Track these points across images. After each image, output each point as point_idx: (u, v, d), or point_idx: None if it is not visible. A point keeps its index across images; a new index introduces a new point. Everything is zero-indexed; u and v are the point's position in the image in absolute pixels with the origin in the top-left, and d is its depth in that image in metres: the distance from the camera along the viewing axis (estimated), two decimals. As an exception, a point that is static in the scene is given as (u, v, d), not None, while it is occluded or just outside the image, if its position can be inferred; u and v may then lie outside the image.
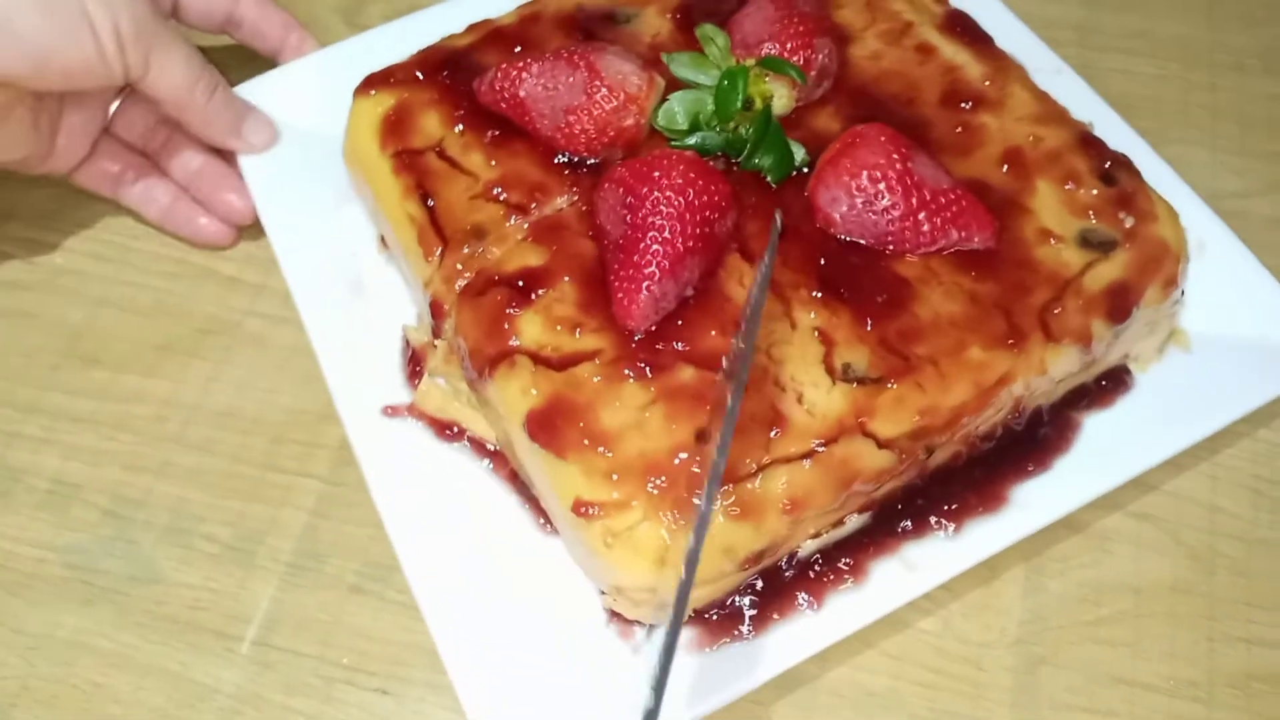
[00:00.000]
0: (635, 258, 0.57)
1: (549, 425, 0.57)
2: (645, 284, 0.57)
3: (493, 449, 0.64)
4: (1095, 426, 0.63)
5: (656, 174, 0.58)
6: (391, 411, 0.64)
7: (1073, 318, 0.59)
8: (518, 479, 0.62)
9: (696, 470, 0.54)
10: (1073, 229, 0.62)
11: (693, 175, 0.58)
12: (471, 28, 0.72)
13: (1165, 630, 0.62)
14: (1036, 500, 0.60)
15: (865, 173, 0.60)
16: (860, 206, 0.60)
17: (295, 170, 0.73)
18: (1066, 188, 0.64)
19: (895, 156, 0.60)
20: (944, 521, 0.60)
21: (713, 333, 0.58)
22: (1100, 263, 0.61)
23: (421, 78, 0.68)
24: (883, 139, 0.60)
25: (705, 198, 0.58)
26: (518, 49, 0.69)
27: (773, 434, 0.55)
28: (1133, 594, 0.63)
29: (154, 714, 0.60)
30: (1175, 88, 0.84)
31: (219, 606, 0.63)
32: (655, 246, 0.57)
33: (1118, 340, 0.61)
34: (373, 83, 0.69)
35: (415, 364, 0.66)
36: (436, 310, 0.63)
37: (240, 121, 0.73)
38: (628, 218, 0.58)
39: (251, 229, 0.76)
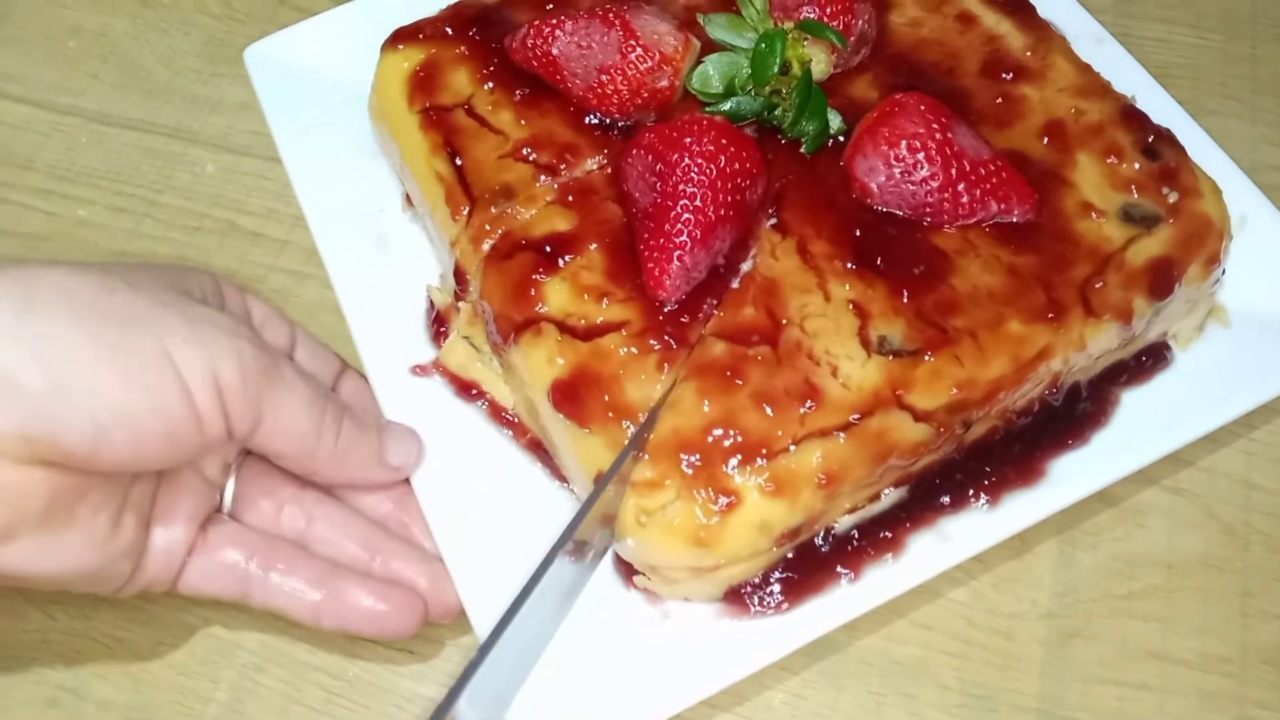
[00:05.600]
0: (665, 227, 0.56)
1: (574, 396, 0.56)
2: (676, 254, 0.56)
3: (511, 417, 0.63)
4: (1133, 402, 0.62)
5: (688, 140, 0.57)
6: (420, 371, 0.64)
7: (1114, 293, 0.58)
8: (539, 447, 0.62)
9: (730, 444, 0.54)
10: (1114, 203, 0.61)
11: (724, 141, 0.57)
12: (503, -18, 0.70)
13: (1198, 605, 0.61)
14: (1074, 474, 0.59)
15: (904, 142, 0.59)
16: (898, 176, 0.59)
17: (321, 125, 0.72)
18: (1108, 161, 0.62)
19: (935, 126, 0.59)
20: (981, 495, 0.59)
21: (747, 309, 0.57)
22: (1143, 238, 0.60)
23: (451, 33, 0.67)
24: (923, 108, 0.59)
25: (737, 165, 0.57)
26: (550, 6, 0.68)
27: (807, 407, 0.55)
28: (1165, 568, 0.62)
29: (175, 669, 0.60)
30: (1215, 58, 0.82)
31: None
32: (686, 215, 0.56)
33: (1158, 317, 0.60)
34: (401, 37, 0.68)
35: (440, 324, 0.65)
36: (461, 274, 0.62)
37: (380, 449, 0.57)
38: (657, 185, 0.57)
39: (275, 181, 0.75)
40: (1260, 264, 0.65)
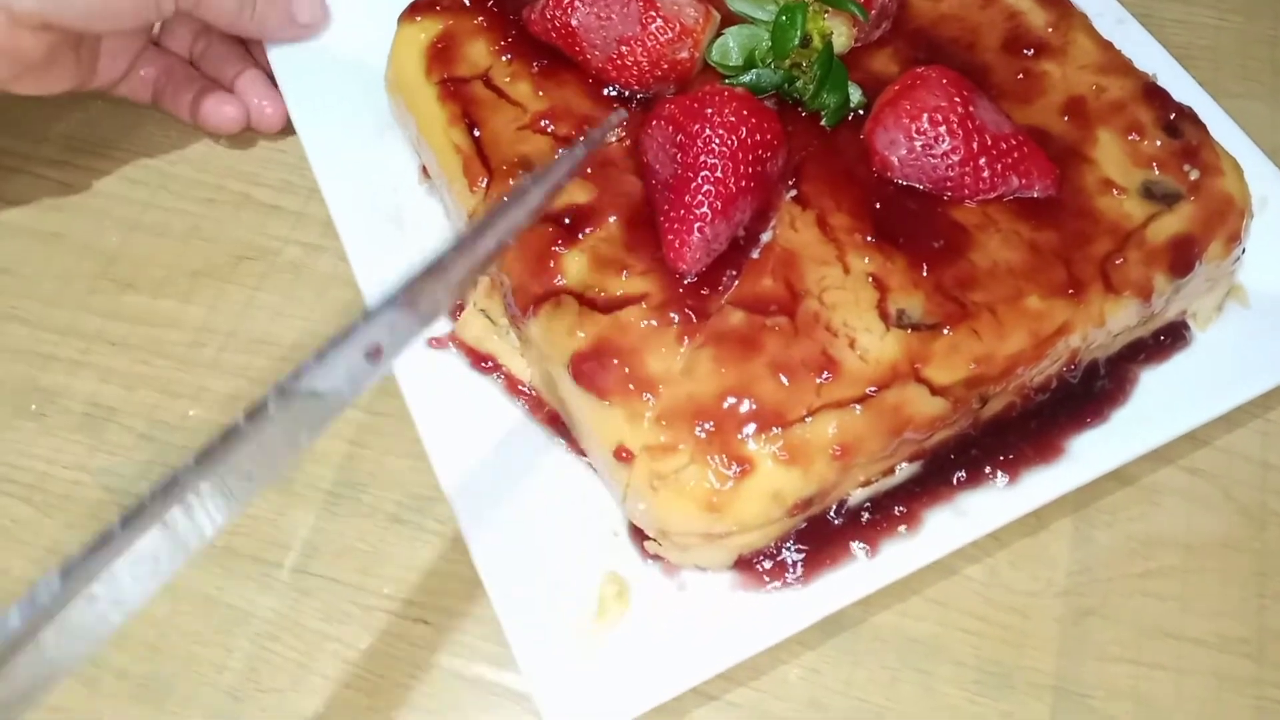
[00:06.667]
0: (686, 198, 0.56)
1: (594, 368, 0.55)
2: (697, 225, 0.56)
3: (528, 390, 0.63)
4: (1152, 381, 0.62)
5: (709, 111, 0.56)
6: (436, 343, 0.63)
7: (1134, 270, 0.58)
8: (557, 421, 0.62)
9: (745, 411, 0.54)
10: (1135, 180, 0.61)
11: (745, 112, 0.56)
12: (517, -48, 0.70)
13: (1215, 586, 0.61)
14: (1092, 452, 0.59)
15: (926, 115, 0.58)
16: (919, 150, 0.59)
17: (337, 97, 0.72)
18: (1130, 138, 0.62)
19: (957, 100, 0.58)
20: (999, 471, 0.59)
21: (766, 279, 0.57)
22: (1163, 215, 0.59)
23: (469, 4, 0.67)
24: (944, 81, 0.59)
25: (758, 136, 0.57)
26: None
27: (823, 378, 0.54)
28: (1182, 549, 0.62)
29: (189, 638, 0.60)
30: (1235, 39, 0.82)
31: (257, 533, 0.63)
32: (707, 187, 0.56)
33: (1178, 295, 0.60)
34: (419, 9, 0.67)
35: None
36: (480, 245, 0.62)
37: (289, 13, 0.73)
38: (678, 156, 0.57)
39: (291, 154, 0.75)
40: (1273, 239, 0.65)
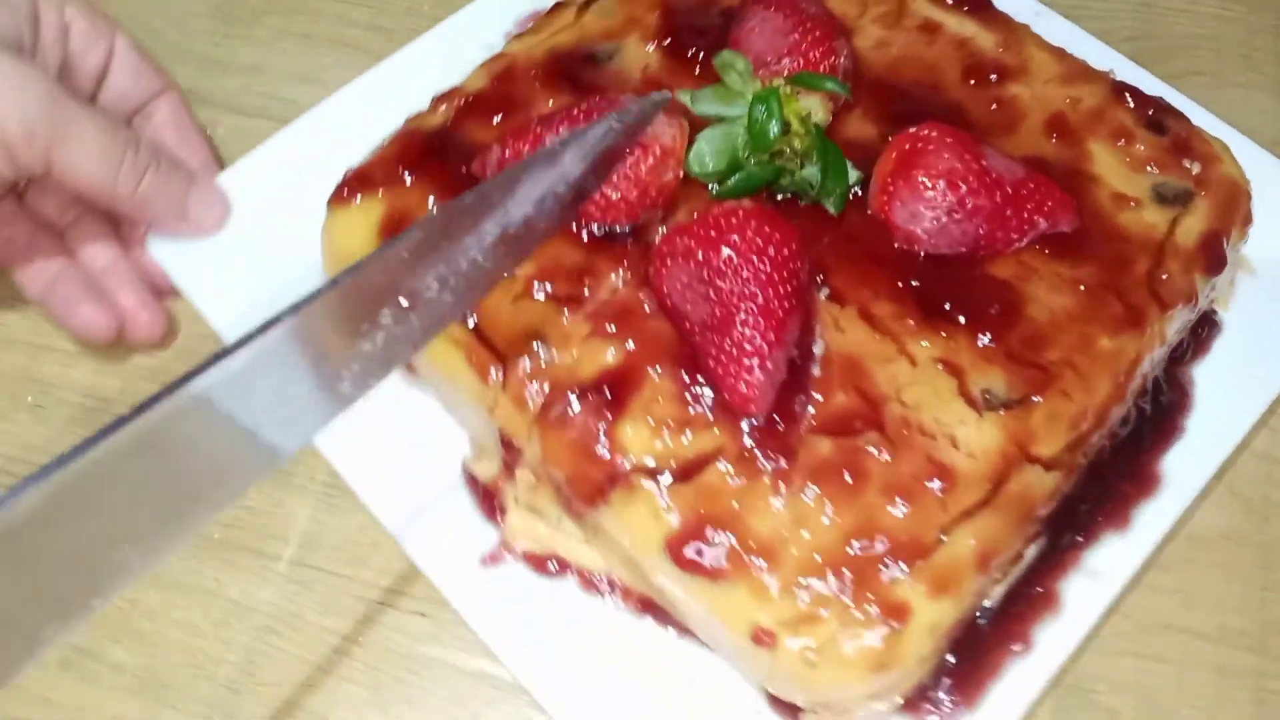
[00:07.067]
0: (734, 334, 0.51)
1: (697, 549, 0.50)
2: (756, 362, 0.51)
3: (606, 580, 0.56)
4: (1205, 377, 0.61)
5: (733, 237, 0.51)
6: (491, 560, 0.56)
7: (1178, 280, 0.57)
8: (653, 606, 0.56)
9: (880, 551, 0.49)
10: (1143, 187, 0.59)
11: (766, 229, 0.52)
12: (439, 101, 0.62)
13: (1218, 579, 0.60)
14: (1186, 467, 0.58)
15: (943, 180, 0.55)
16: (945, 217, 0.55)
17: (245, 289, 0.63)
18: (1119, 145, 0.61)
19: (968, 156, 0.55)
20: (1111, 519, 0.57)
21: (838, 395, 0.53)
22: (1184, 217, 0.59)
23: (410, 173, 0.59)
24: (949, 141, 0.56)
25: (786, 250, 0.52)
26: (499, 117, 0.61)
27: (940, 489, 0.51)
28: (1185, 541, 0.61)
29: (188, 631, 0.60)
30: (1238, 29, 0.80)
31: (255, 525, 0.62)
32: (755, 319, 0.51)
33: (1214, 290, 0.60)
34: (352, 187, 0.59)
35: (490, 499, 0.58)
36: (508, 441, 0.55)
37: (183, 202, 0.62)
38: (710, 293, 0.52)
39: None
40: (1263, 206, 0.64)
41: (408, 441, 0.60)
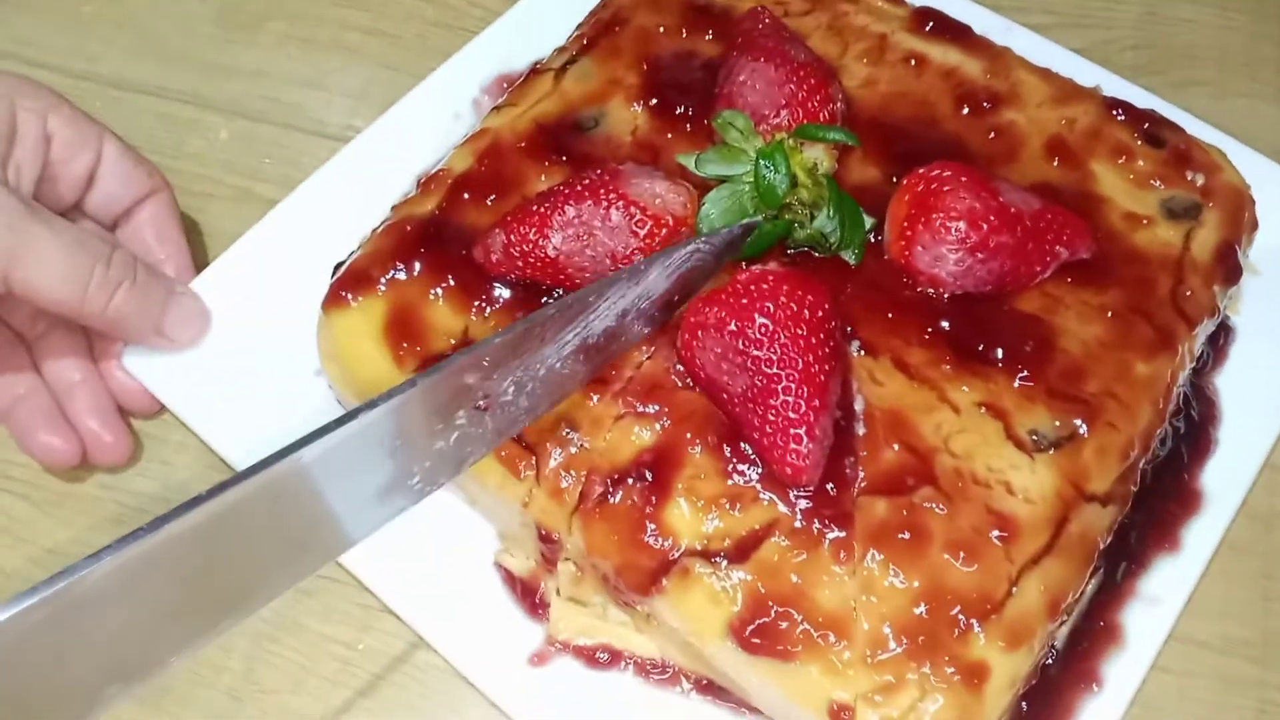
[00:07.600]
0: (777, 404, 0.49)
1: (764, 630, 0.48)
2: (804, 430, 0.49)
3: (662, 665, 0.54)
4: (1229, 385, 0.61)
5: (768, 305, 0.50)
6: (539, 660, 0.54)
7: (1201, 295, 0.57)
8: (714, 688, 0.54)
9: (953, 613, 0.48)
10: (1152, 204, 0.59)
11: (798, 292, 0.50)
12: (426, 183, 0.60)
13: (1220, 588, 0.60)
14: (1225, 479, 0.58)
15: (963, 221, 0.54)
16: (970, 257, 0.54)
17: (240, 404, 0.60)
18: (1120, 162, 0.60)
19: (985, 194, 0.54)
20: (1160, 541, 0.56)
21: (886, 453, 0.51)
22: (1197, 230, 0.58)
23: (407, 266, 0.56)
24: (964, 179, 0.55)
25: (820, 310, 0.51)
26: (492, 198, 0.58)
27: (1002, 539, 0.49)
28: None
29: None
30: (1241, 39, 0.80)
31: None
32: (799, 387, 0.49)
33: (1230, 299, 0.60)
34: (349, 287, 0.56)
35: (529, 594, 0.55)
36: (547, 534, 0.52)
37: (159, 319, 0.59)
38: (748, 363, 0.50)
39: (291, 148, 0.73)
40: (1264, 207, 0.64)
41: (434, 541, 0.57)
